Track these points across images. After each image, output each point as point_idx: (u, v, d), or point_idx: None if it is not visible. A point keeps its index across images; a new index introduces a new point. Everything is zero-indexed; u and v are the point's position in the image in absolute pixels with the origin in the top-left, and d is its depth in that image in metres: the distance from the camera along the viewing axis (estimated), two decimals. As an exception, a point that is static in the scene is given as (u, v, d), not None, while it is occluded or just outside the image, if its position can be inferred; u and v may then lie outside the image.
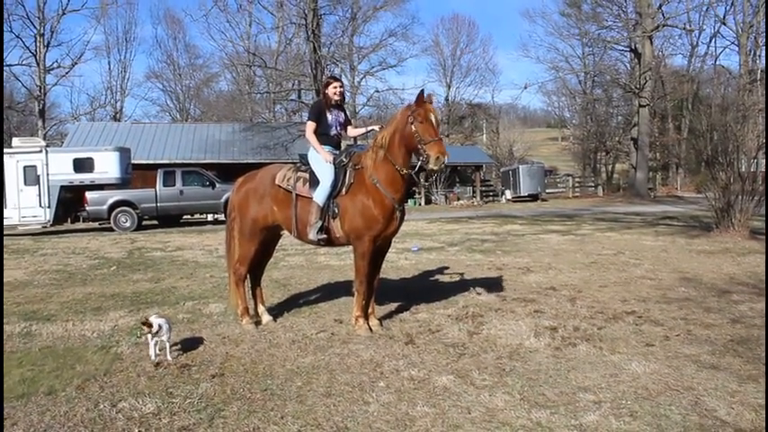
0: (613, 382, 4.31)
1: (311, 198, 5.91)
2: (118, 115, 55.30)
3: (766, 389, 4.12)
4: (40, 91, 45.42)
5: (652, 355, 4.91)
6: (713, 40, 48.02)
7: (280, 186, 6.10)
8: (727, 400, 3.95)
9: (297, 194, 6.01)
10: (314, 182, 5.96)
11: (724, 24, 43.16)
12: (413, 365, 4.76)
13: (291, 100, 45.87)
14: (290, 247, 12.02)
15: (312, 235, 5.91)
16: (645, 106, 37.80)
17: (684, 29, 42.73)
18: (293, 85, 44.18)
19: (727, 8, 41.88)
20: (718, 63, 48.80)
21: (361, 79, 46.76)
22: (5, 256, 13.18)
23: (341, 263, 10.37)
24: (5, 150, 22.81)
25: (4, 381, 4.58)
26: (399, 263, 10.47)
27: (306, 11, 36.19)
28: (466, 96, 62.51)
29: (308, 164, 6.13)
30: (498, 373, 4.55)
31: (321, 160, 5.97)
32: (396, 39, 44.30)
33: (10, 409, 4.06)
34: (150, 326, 4.89)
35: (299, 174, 6.12)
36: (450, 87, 61.32)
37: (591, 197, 40.79)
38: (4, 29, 44.17)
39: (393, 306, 6.89)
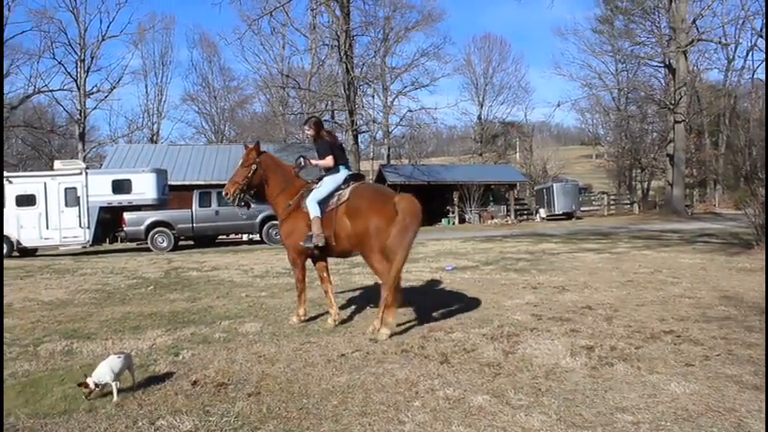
0: (652, 403, 4.24)
1: None
2: (155, 137, 56.51)
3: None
4: (80, 115, 46.81)
5: (692, 375, 4.81)
6: (750, 54, 47.46)
7: None
8: (770, 422, 3.85)
9: None
10: None
11: (761, 37, 42.36)
12: (448, 385, 4.74)
13: (325, 120, 46.26)
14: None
15: None
16: (680, 122, 37.30)
17: (720, 43, 42.26)
18: (326, 105, 44.60)
19: (765, 21, 41.24)
20: (755, 77, 48.05)
21: (394, 99, 47.06)
22: (48, 275, 13.50)
23: (375, 282, 10.39)
24: (48, 173, 23.50)
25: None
26: (434, 282, 10.45)
27: (338, 32, 36.64)
28: (499, 115, 62.72)
29: None
30: (534, 393, 4.51)
31: None
32: (428, 58, 44.57)
33: (53, 426, 4.15)
34: (87, 386, 4.59)
35: None
36: (482, 106, 61.56)
37: (626, 215, 40.28)
38: (47, 56, 45.77)
39: (428, 325, 6.89)
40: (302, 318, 7.26)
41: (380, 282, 6.56)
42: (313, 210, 6.84)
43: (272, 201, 7.37)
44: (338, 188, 6.96)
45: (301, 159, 7.36)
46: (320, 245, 6.78)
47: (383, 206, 6.50)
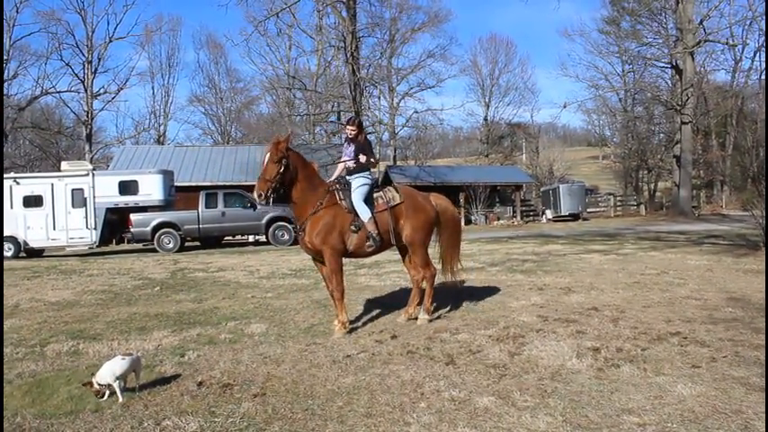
0: (658, 405, 4.22)
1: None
2: (161, 138, 56.61)
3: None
4: (87, 116, 46.86)
5: (698, 376, 4.80)
6: (758, 55, 47.04)
7: None
8: (777, 424, 3.83)
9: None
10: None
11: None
12: (453, 386, 4.73)
13: (331, 121, 46.38)
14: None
15: None
16: (687, 123, 37.10)
17: (727, 44, 41.87)
18: (332, 106, 44.69)
19: (765, 22, 40.96)
20: (763, 77, 47.73)
21: (400, 100, 47.18)
22: (54, 276, 13.54)
23: (381, 283, 10.40)
24: (56, 174, 23.61)
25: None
26: (439, 283, 10.42)
27: (344, 34, 36.65)
28: (505, 116, 62.41)
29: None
30: (540, 395, 4.50)
31: None
32: (434, 59, 44.73)
33: (59, 426, 4.17)
34: (92, 385, 4.58)
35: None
36: (488, 107, 61.29)
37: (633, 216, 40.15)
38: (55, 57, 46.05)
39: (433, 326, 6.88)
40: (347, 325, 6.80)
41: (412, 276, 7.56)
42: (365, 211, 6.86)
43: (297, 200, 6.79)
44: (372, 188, 7.10)
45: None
46: (378, 245, 6.95)
47: (432, 205, 7.46)
